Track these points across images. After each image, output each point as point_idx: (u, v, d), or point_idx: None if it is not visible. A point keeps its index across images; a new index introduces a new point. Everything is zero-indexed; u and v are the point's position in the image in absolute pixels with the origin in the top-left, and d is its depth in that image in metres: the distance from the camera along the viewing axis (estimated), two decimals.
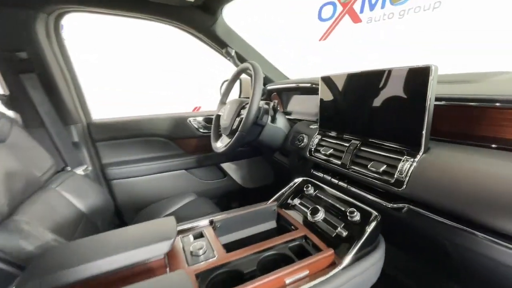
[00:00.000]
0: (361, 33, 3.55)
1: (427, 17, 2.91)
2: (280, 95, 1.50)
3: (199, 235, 0.73)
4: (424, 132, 0.60)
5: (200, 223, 0.78)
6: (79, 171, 1.14)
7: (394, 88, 0.67)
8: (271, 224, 0.84)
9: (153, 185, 1.45)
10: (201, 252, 0.63)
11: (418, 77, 0.60)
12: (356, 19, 3.57)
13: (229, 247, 0.65)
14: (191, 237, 0.71)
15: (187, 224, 0.77)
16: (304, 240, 0.70)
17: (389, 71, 0.67)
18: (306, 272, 0.55)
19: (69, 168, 1.12)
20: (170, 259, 0.62)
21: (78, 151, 1.22)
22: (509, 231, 0.46)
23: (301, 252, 0.65)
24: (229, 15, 1.29)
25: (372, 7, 3.41)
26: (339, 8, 3.70)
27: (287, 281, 0.53)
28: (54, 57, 1.10)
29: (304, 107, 1.30)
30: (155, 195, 1.43)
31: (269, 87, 1.47)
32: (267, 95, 1.54)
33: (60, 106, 1.13)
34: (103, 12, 1.10)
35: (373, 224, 0.63)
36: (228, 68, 1.48)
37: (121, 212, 1.40)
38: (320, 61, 3.83)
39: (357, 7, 3.50)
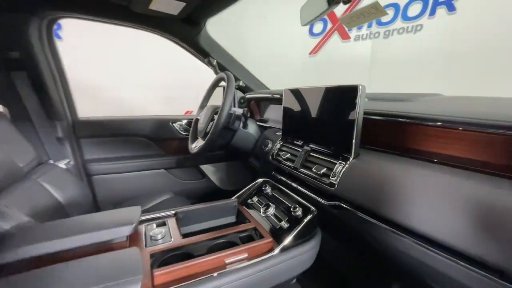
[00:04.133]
0: (349, 49, 3.75)
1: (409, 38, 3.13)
2: (258, 104, 1.60)
3: (162, 224, 0.81)
4: (354, 141, 0.71)
5: (165, 214, 0.86)
6: (61, 164, 1.21)
7: (332, 103, 0.79)
8: (231, 219, 0.93)
9: (132, 182, 1.53)
10: (159, 236, 0.71)
11: (349, 94, 0.71)
12: (344, 35, 3.77)
13: (188, 235, 0.74)
14: (154, 225, 0.79)
15: (153, 214, 0.86)
16: (253, 231, 0.79)
17: (328, 88, 0.79)
18: (245, 255, 0.65)
19: (51, 161, 1.19)
20: (131, 242, 0.70)
21: (62, 146, 1.30)
22: (409, 227, 0.55)
23: (248, 241, 0.74)
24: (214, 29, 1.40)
25: (360, 26, 3.60)
26: (330, 24, 3.90)
27: (227, 261, 0.62)
28: (45, 58, 1.18)
29: (277, 115, 1.41)
30: (134, 191, 1.50)
31: (248, 95, 1.58)
32: (247, 103, 1.64)
33: (47, 103, 1.21)
34: (92, 19, 1.20)
35: (308, 217, 0.73)
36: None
37: (99, 207, 1.46)
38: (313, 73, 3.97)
39: None
